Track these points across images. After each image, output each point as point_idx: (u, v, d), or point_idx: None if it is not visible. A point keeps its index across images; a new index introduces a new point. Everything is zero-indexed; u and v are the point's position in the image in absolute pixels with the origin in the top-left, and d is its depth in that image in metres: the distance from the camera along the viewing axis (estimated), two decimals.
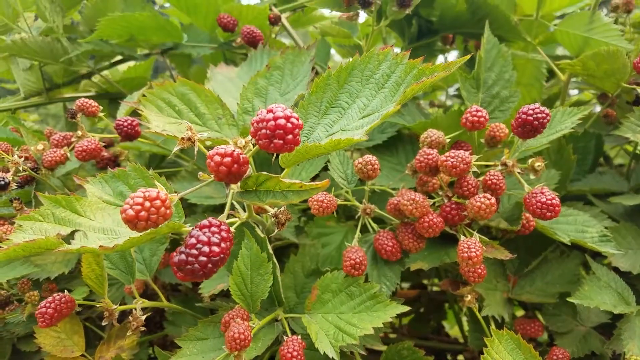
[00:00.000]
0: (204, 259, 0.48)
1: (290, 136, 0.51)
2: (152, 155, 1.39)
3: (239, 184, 0.59)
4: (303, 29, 1.76)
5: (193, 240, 0.49)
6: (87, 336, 1.08)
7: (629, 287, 0.94)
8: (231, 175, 0.53)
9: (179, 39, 1.38)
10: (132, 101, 0.95)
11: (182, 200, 1.06)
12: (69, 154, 1.00)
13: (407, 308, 0.77)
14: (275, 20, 1.22)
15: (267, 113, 0.51)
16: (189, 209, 1.14)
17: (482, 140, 0.95)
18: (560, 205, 0.77)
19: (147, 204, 0.50)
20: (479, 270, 0.80)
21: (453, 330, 1.76)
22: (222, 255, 0.49)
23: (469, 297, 0.88)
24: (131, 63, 1.67)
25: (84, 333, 1.00)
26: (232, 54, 1.48)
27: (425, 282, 1.47)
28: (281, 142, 0.51)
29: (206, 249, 0.48)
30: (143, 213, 0.50)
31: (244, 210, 0.76)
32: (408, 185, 0.92)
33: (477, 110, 0.87)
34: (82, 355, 0.98)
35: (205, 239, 0.49)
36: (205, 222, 0.52)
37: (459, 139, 1.02)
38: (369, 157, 0.79)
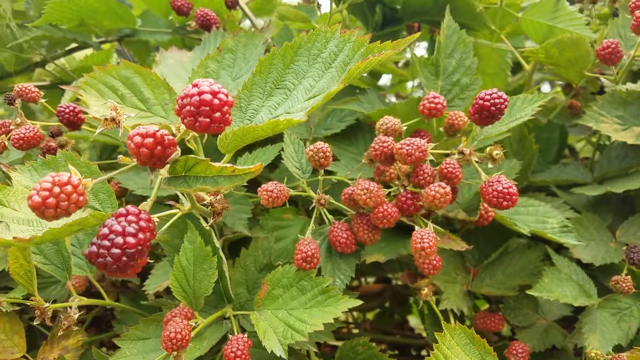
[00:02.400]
0: (117, 251, 0.43)
1: (217, 114, 0.47)
2: (105, 146, 1.32)
3: (168, 168, 0.54)
4: (268, 16, 1.71)
5: (105, 230, 0.44)
6: (33, 336, 1.01)
7: (591, 279, 0.92)
8: (154, 158, 0.48)
9: (132, 24, 1.31)
10: (71, 86, 0.89)
11: (129, 192, 1.00)
12: (6, 143, 0.94)
13: (359, 302, 0.73)
14: (232, 4, 1.17)
15: (192, 88, 0.47)
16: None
17: (442, 129, 0.92)
18: (517, 194, 0.74)
19: (56, 189, 0.45)
20: (434, 262, 0.77)
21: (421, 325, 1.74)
22: (139, 247, 0.44)
23: (426, 290, 0.85)
24: (89, 51, 1.60)
25: (30, 333, 0.94)
26: (191, 40, 1.42)
27: (390, 276, 1.44)
28: (207, 120, 0.46)
29: (119, 239, 0.44)
30: (51, 200, 0.45)
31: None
32: (367, 176, 0.89)
33: (435, 97, 0.83)
34: (23, 356, 0.92)
35: (119, 228, 0.44)
36: (122, 210, 0.47)
37: (418, 127, 0.99)
38: (320, 144, 0.74)
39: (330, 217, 0.87)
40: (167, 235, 0.79)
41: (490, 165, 0.82)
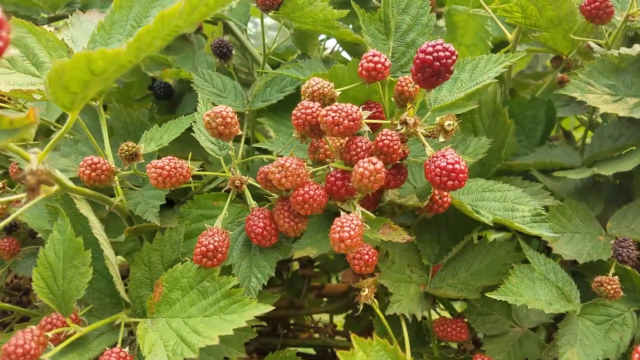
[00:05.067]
0: None
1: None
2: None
3: None
4: None
5: None
6: None
7: (573, 280, 0.77)
8: None
9: None
10: None
11: None
12: None
13: (270, 307, 0.59)
14: None
15: None
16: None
17: (393, 99, 0.76)
18: (466, 172, 0.58)
19: None
20: (366, 257, 0.62)
21: None
22: None
23: (366, 291, 0.70)
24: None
25: None
26: None
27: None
28: None
29: None
30: None
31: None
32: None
33: (374, 55, 0.68)
34: None
35: None
36: None
37: (369, 98, 0.84)
38: (220, 108, 0.59)
39: (253, 202, 0.72)
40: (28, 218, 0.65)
41: (441, 139, 0.66)
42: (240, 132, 0.62)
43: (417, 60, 0.60)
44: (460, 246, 0.81)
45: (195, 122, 0.73)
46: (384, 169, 0.59)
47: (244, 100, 0.90)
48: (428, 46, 0.59)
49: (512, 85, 1.40)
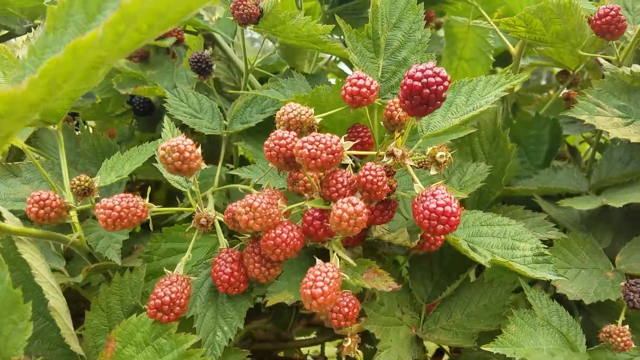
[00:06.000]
0: None
1: None
2: None
3: None
4: None
5: None
6: None
7: (578, 323, 0.69)
8: None
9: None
10: None
11: None
12: None
13: None
14: None
15: None
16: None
17: (382, 123, 0.69)
18: (458, 214, 0.51)
19: None
20: (345, 309, 0.54)
21: None
22: None
23: (349, 341, 0.62)
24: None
25: None
26: None
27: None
28: None
29: None
30: None
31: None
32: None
33: (359, 78, 0.60)
34: None
35: None
36: None
37: (357, 121, 0.77)
38: (177, 140, 0.52)
39: (224, 241, 0.65)
40: None
41: (433, 172, 0.59)
42: (203, 167, 0.55)
43: (405, 87, 0.53)
44: (455, 285, 0.73)
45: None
46: (365, 211, 0.51)
47: (222, 122, 0.83)
48: (416, 71, 0.52)
49: (516, 99, 1.32)
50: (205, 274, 0.63)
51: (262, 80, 1.23)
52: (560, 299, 0.73)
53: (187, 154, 0.51)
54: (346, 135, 0.75)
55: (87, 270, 0.71)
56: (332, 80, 1.57)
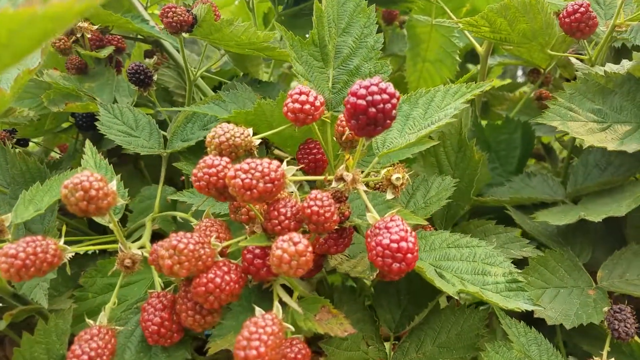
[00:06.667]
0: None
1: None
2: None
3: None
4: None
5: None
6: None
7: (559, 351, 0.63)
8: None
9: None
10: None
11: None
12: None
13: None
14: None
15: None
16: None
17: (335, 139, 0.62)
18: (415, 250, 0.44)
19: None
20: None
21: None
22: None
23: None
24: None
25: None
26: None
27: None
28: None
29: None
30: None
31: None
32: None
33: (301, 93, 0.53)
34: None
35: None
36: None
37: (309, 136, 0.69)
38: (82, 176, 0.43)
39: (158, 282, 0.57)
40: None
41: (389, 196, 0.52)
42: (119, 203, 0.47)
43: (348, 106, 0.46)
44: (424, 313, 0.66)
45: None
46: (310, 249, 0.44)
47: (160, 140, 0.75)
48: (360, 87, 0.45)
49: (487, 99, 1.27)
50: (135, 321, 0.55)
51: (215, 88, 1.15)
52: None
53: (93, 193, 0.43)
54: (297, 151, 0.68)
55: (10, 315, 0.62)
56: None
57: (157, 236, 0.78)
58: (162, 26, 1.06)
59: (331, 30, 0.64)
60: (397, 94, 0.45)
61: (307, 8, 1.06)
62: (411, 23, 1.02)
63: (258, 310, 0.46)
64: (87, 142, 0.63)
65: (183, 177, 0.97)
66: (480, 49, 0.97)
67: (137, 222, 0.76)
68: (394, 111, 0.46)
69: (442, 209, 0.75)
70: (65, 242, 0.50)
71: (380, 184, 0.58)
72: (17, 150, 0.79)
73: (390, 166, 0.53)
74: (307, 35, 0.67)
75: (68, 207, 0.44)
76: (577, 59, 0.83)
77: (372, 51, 0.65)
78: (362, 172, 0.54)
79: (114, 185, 0.47)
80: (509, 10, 0.73)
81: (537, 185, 0.89)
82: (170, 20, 0.62)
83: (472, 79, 1.20)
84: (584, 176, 0.85)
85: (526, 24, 0.76)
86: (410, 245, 0.43)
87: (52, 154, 1.30)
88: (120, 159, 1.07)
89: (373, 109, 0.44)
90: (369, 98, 0.44)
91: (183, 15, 0.62)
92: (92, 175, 0.44)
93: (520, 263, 0.66)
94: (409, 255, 0.43)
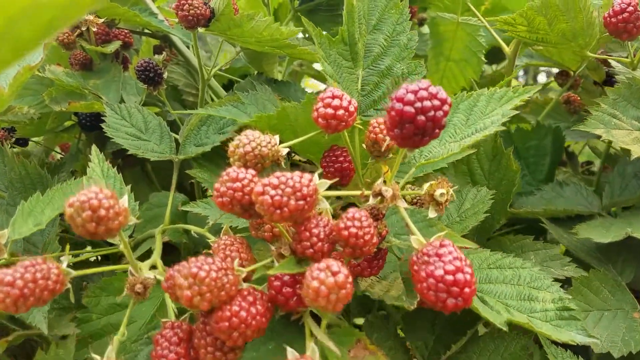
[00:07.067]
0: None
1: None
2: None
3: None
4: None
5: None
6: None
7: None
8: None
9: None
10: None
11: None
12: None
13: None
14: None
15: None
16: None
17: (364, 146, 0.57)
18: (473, 282, 0.38)
19: None
20: None
21: None
22: None
23: None
24: None
25: None
26: None
27: None
28: None
29: None
30: None
31: None
32: None
33: (334, 96, 0.48)
34: None
35: None
36: None
37: (334, 143, 0.64)
38: (91, 192, 0.37)
39: (172, 311, 0.51)
40: None
41: (432, 214, 0.47)
42: (132, 222, 0.41)
43: (393, 113, 0.40)
44: (464, 340, 0.61)
45: None
46: (350, 281, 0.38)
47: (172, 143, 0.69)
48: (407, 92, 0.39)
49: None
50: (146, 355, 0.50)
51: (229, 86, 1.10)
52: None
53: (102, 212, 0.37)
54: (321, 159, 0.62)
55: (6, 341, 0.57)
56: (308, 86, 1.44)
57: (166, 247, 0.73)
58: (171, 20, 1.00)
59: (361, 27, 0.58)
60: (449, 99, 0.40)
61: (324, 3, 1.01)
62: (435, 21, 0.97)
63: (290, 352, 0.40)
64: (94, 148, 0.57)
65: (193, 180, 0.92)
66: (507, 49, 0.91)
67: (144, 233, 0.70)
68: (444, 119, 0.40)
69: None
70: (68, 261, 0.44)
71: (418, 198, 0.53)
72: (15, 151, 0.73)
73: (433, 180, 0.47)
74: (324, 32, 0.62)
75: (73, 229, 0.38)
76: (617, 61, 0.77)
77: (405, 50, 0.59)
78: (397, 183, 0.48)
79: (125, 201, 0.41)
80: (550, 9, 0.67)
81: (571, 196, 0.83)
82: (187, 13, 0.56)
83: (495, 79, 1.15)
84: (621, 187, 0.79)
85: (566, 24, 0.70)
86: (468, 277, 0.38)
87: (53, 152, 1.24)
88: (125, 161, 1.02)
89: (422, 117, 0.39)
90: (418, 105, 0.39)
91: (200, 8, 0.57)
92: (102, 191, 0.38)
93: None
94: (467, 289, 0.38)
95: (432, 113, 0.39)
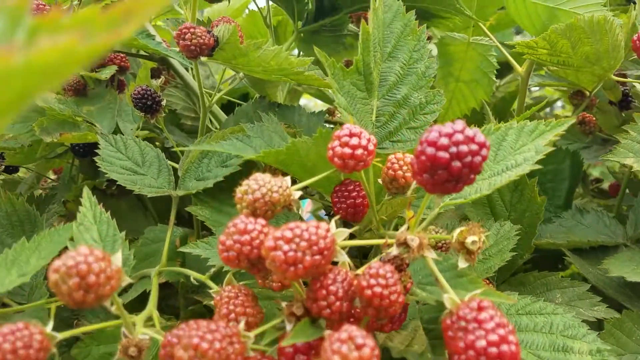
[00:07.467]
0: None
1: None
2: None
3: None
4: None
5: None
6: None
7: None
8: None
9: None
10: None
11: None
12: None
13: None
14: None
15: None
16: None
17: (380, 181, 0.52)
18: (518, 352, 0.34)
19: None
20: None
21: None
22: None
23: None
24: None
25: None
26: None
27: None
28: None
29: None
30: None
31: None
32: None
33: (351, 134, 0.43)
34: None
35: None
36: None
37: (347, 177, 0.59)
38: (79, 256, 0.33)
39: None
40: None
41: (462, 264, 0.42)
42: (125, 283, 0.36)
43: (423, 158, 0.35)
44: None
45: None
46: (377, 354, 0.33)
47: (171, 177, 0.64)
48: (440, 135, 0.35)
49: None
50: None
51: (228, 106, 1.05)
52: None
53: (92, 279, 0.32)
54: (332, 194, 0.57)
55: None
56: (308, 102, 1.39)
57: (162, 284, 0.68)
58: (169, 41, 0.96)
59: (376, 55, 0.54)
60: (488, 143, 0.35)
61: (327, 25, 0.97)
62: (444, 41, 0.93)
63: None
64: (85, 190, 0.52)
65: None
66: (519, 69, 0.87)
67: (139, 272, 0.65)
68: (482, 165, 0.35)
69: None
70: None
71: (443, 244, 0.48)
72: (4, 178, 0.68)
73: (463, 227, 0.42)
74: (337, 64, 0.57)
75: (59, 297, 0.33)
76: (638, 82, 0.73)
77: (423, 79, 0.55)
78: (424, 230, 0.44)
79: (118, 259, 0.36)
80: (574, 32, 0.63)
81: (592, 224, 0.79)
82: (188, 43, 0.52)
83: (505, 99, 1.11)
84: None
85: (590, 46, 0.66)
86: (513, 348, 0.33)
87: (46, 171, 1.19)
88: (120, 189, 0.97)
89: (458, 163, 0.34)
90: (453, 149, 0.34)
91: (203, 37, 0.52)
92: (91, 252, 0.33)
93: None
94: None
95: (469, 159, 0.34)
